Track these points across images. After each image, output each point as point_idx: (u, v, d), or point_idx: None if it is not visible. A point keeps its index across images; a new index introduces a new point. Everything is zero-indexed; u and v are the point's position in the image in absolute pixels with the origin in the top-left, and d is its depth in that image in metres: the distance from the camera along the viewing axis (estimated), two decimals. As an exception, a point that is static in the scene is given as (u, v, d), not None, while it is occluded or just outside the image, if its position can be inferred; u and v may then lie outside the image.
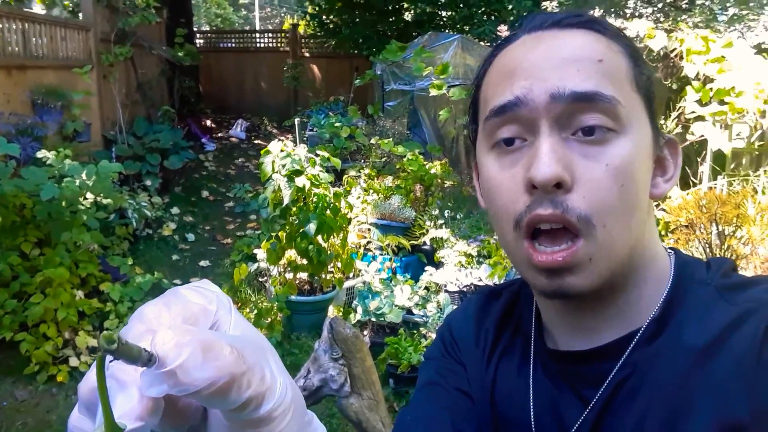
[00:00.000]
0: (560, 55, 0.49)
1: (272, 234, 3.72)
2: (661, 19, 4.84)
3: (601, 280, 0.49)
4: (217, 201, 6.51)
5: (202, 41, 9.86)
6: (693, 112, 3.67)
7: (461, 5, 7.21)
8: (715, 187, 3.23)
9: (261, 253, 4.15)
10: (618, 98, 0.48)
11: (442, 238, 4.16)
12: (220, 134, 8.44)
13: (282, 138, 8.29)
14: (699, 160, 3.74)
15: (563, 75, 0.48)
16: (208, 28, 15.81)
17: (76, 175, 3.41)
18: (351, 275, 4.15)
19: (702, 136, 3.72)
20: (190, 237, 5.47)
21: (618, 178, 0.47)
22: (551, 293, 0.50)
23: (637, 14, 5.87)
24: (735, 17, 4.67)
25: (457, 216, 4.62)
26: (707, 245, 2.70)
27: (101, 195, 3.63)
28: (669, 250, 0.57)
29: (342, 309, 4.17)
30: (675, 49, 3.77)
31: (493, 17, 7.28)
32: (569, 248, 0.47)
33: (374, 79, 5.82)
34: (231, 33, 12.30)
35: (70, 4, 6.95)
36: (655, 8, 5.63)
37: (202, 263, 5.02)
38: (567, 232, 0.48)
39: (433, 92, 5.00)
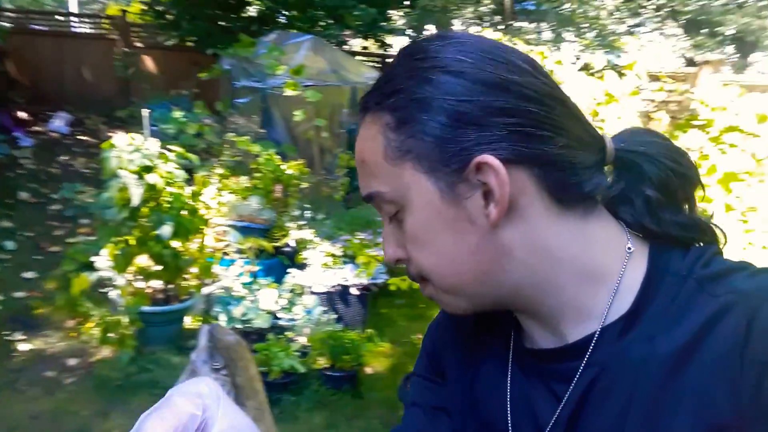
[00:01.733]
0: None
1: (119, 239, 3.36)
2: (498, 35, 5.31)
3: (469, 307, 0.57)
4: (39, 203, 5.71)
5: (7, 23, 8.58)
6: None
7: (307, 7, 7.18)
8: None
9: (101, 261, 3.73)
10: (380, 189, 0.55)
11: (305, 239, 4.11)
12: (37, 128, 7.41)
13: (111, 133, 7.56)
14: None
15: (360, 184, 0.58)
16: (10, 7, 13.79)
17: None
18: (209, 281, 3.92)
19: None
20: (9, 245, 4.74)
21: (416, 245, 0.55)
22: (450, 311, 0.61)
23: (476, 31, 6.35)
24: (558, 38, 5.29)
25: (317, 217, 4.60)
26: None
27: None
28: (630, 243, 0.55)
29: (201, 318, 3.92)
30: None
31: (338, 21, 7.35)
32: (424, 285, 0.59)
33: (222, 74, 5.56)
34: (43, 14, 10.88)
35: None
36: (489, 24, 6.14)
37: (27, 275, 4.38)
38: None
39: (288, 92, 4.93)
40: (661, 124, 3.79)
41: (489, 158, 0.50)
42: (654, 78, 4.64)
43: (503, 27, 5.82)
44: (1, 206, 5.31)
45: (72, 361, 3.41)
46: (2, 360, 3.34)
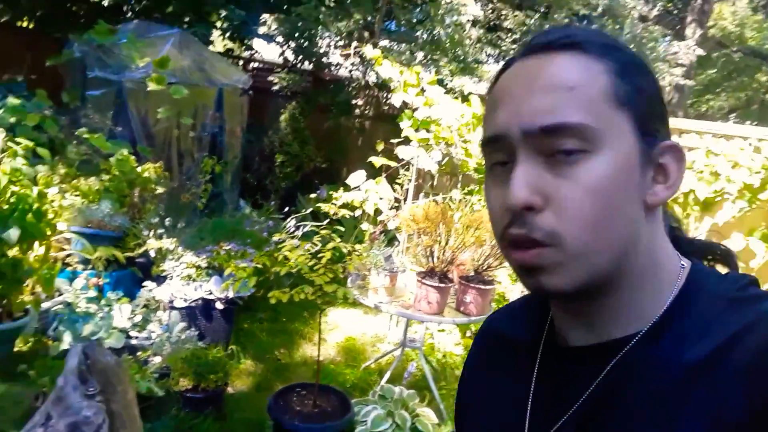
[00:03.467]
0: (537, 87, 0.53)
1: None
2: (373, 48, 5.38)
3: (576, 282, 0.53)
4: None
5: None
6: (406, 137, 4.16)
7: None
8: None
9: None
10: (587, 122, 0.51)
11: (167, 249, 3.76)
12: None
13: None
14: (408, 179, 4.27)
15: (535, 109, 0.52)
16: None
17: None
18: (46, 296, 3.42)
19: (410, 158, 4.24)
20: None
21: (590, 195, 0.51)
22: (533, 290, 0.56)
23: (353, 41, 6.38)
24: (428, 60, 5.52)
25: (179, 225, 4.25)
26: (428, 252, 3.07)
27: None
28: (683, 261, 0.60)
29: (33, 339, 3.40)
30: (392, 80, 4.21)
31: (203, 19, 6.95)
32: (536, 252, 0.52)
33: (71, 60, 4.95)
34: None
35: None
36: (357, 40, 6.22)
37: None
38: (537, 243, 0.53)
39: (152, 86, 4.52)
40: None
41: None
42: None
43: (373, 46, 5.92)
44: None
45: None
46: None
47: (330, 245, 2.61)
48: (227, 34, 7.30)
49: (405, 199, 4.34)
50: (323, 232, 2.71)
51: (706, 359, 0.50)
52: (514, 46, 6.60)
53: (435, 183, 4.84)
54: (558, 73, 0.53)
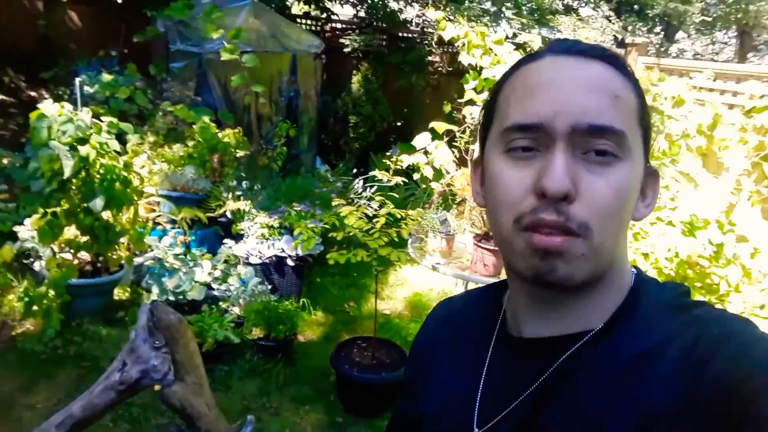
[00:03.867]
0: (583, 85, 0.55)
1: (47, 210, 3.22)
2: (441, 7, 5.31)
3: (585, 276, 0.56)
4: (-49, 167, 5.34)
5: None
6: (471, 99, 4.15)
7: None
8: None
9: (24, 231, 3.57)
10: (626, 132, 0.55)
11: (242, 210, 4.06)
12: (-54, 85, 6.88)
13: (34, 93, 7.09)
14: (472, 140, 4.26)
15: (584, 108, 0.55)
16: None
17: None
18: (140, 252, 3.83)
19: (473, 117, 4.22)
20: None
21: (617, 195, 0.55)
22: (540, 275, 0.56)
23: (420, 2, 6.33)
24: (496, 16, 5.36)
25: (255, 187, 4.54)
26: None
27: None
28: (633, 268, 0.65)
29: (130, 289, 3.84)
30: (459, 39, 4.18)
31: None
32: (567, 239, 0.54)
33: (156, 36, 5.31)
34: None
35: None
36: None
37: (-60, 244, 4.12)
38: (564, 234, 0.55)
39: (225, 57, 4.78)
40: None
41: (657, 172, 0.64)
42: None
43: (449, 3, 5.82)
44: None
45: (-8, 335, 3.27)
46: None
47: (383, 210, 2.73)
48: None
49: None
50: (377, 198, 2.83)
51: (641, 356, 0.55)
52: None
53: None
54: (603, 79, 0.56)
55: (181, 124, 4.82)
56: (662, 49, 7.97)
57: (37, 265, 3.57)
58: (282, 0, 6.85)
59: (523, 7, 5.44)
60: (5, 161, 4.51)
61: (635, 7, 6.61)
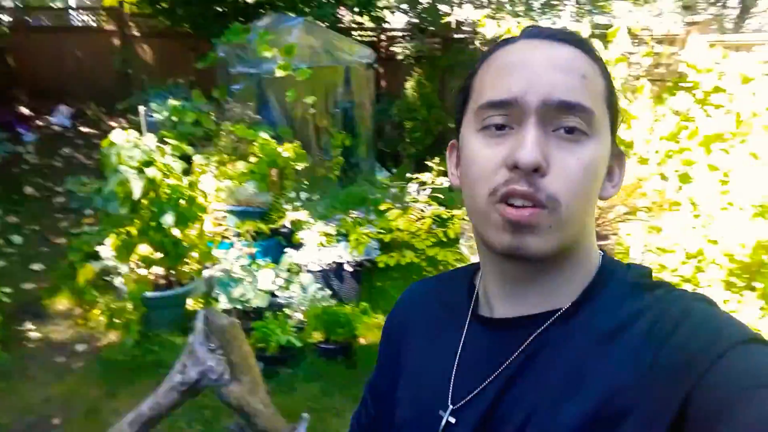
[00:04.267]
0: (554, 64, 0.58)
1: (120, 230, 3.49)
2: (485, 6, 5.29)
3: (554, 248, 0.59)
4: (44, 197, 5.87)
5: (6, 17, 8.67)
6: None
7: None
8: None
9: (105, 251, 3.87)
10: (594, 110, 0.58)
11: (300, 220, 4.21)
12: (39, 123, 7.55)
13: (114, 123, 7.66)
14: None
15: (555, 84, 0.57)
16: (11, 5, 13.85)
17: None
18: (209, 265, 4.05)
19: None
20: (17, 239, 4.90)
21: (585, 171, 0.58)
22: (512, 249, 0.59)
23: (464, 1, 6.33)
24: (546, 8, 5.27)
25: (313, 197, 4.70)
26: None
27: None
28: (600, 250, 0.67)
29: (203, 300, 4.06)
30: (502, 36, 4.15)
31: (332, 0, 7.35)
32: (535, 211, 0.57)
33: (217, 61, 5.62)
34: (42, 9, 10.92)
35: None
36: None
37: (35, 267, 4.54)
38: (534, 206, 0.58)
39: (279, 73, 4.98)
40: (644, 91, 3.81)
41: (624, 153, 0.66)
42: (642, 42, 4.65)
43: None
44: (8, 202, 5.47)
45: (80, 347, 3.57)
46: (14, 348, 3.50)
47: (428, 212, 2.77)
48: (355, 9, 7.63)
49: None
50: (422, 200, 2.87)
51: (609, 331, 0.58)
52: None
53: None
54: (572, 59, 0.59)
55: (243, 142, 5.06)
56: (738, 24, 7.53)
57: (117, 282, 3.85)
58: (333, 14, 7.03)
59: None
60: (89, 188, 4.92)
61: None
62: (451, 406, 0.65)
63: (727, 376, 0.48)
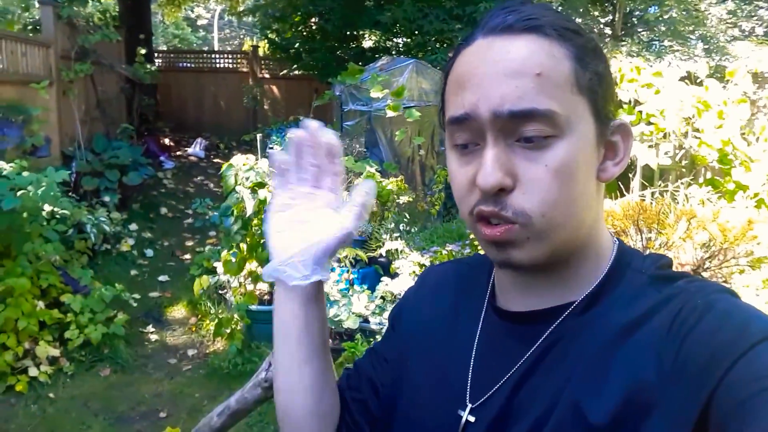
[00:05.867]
0: (503, 71, 0.54)
1: (233, 245, 3.83)
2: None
3: (541, 256, 0.57)
4: (175, 218, 6.55)
5: (160, 60, 9.91)
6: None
7: (416, 32, 7.54)
8: (643, 198, 3.54)
9: (221, 267, 4.25)
10: (554, 109, 0.54)
11: (397, 250, 4.35)
12: (178, 153, 8.47)
13: (241, 154, 8.41)
14: (630, 175, 4.07)
15: (504, 93, 0.54)
16: (165, 48, 15.78)
17: (22, 184, 3.43)
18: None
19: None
20: (149, 252, 5.50)
21: (557, 176, 0.54)
22: (500, 263, 0.60)
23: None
24: (664, 49, 5.12)
25: (412, 230, 4.83)
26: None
27: (57, 207, 3.68)
28: (615, 239, 0.64)
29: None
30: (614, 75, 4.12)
31: (445, 44, 7.63)
32: (506, 228, 0.55)
33: (333, 99, 6.03)
34: (189, 53, 12.36)
35: (30, 21, 6.94)
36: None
37: (161, 278, 5.07)
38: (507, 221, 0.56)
39: (390, 113, 5.25)
40: (765, 132, 3.57)
41: (626, 123, 0.60)
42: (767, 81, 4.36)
43: (610, 40, 5.71)
44: (145, 219, 6.17)
45: (191, 352, 3.92)
46: (136, 347, 3.93)
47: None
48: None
49: (630, 193, 4.16)
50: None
51: (629, 324, 0.55)
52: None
53: (662, 177, 4.49)
54: (524, 57, 0.54)
55: (351, 175, 5.36)
56: None
57: (228, 295, 4.21)
58: (445, 59, 7.28)
59: (692, 36, 5.12)
60: (212, 209, 5.45)
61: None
62: (470, 405, 0.64)
63: (750, 374, 0.46)
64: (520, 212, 0.55)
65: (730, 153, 3.49)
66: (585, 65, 0.56)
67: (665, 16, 5.42)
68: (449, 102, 0.59)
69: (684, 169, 4.39)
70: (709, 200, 3.23)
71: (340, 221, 0.67)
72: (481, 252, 0.69)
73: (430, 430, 0.66)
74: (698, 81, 4.59)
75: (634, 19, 6.21)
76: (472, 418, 0.62)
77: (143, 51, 7.08)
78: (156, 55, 9.63)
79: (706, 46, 4.94)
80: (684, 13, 4.89)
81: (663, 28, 5.47)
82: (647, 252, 0.67)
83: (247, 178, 3.54)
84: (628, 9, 6.14)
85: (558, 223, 0.55)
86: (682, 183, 3.55)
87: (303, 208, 0.70)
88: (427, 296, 0.77)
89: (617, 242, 0.64)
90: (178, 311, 4.51)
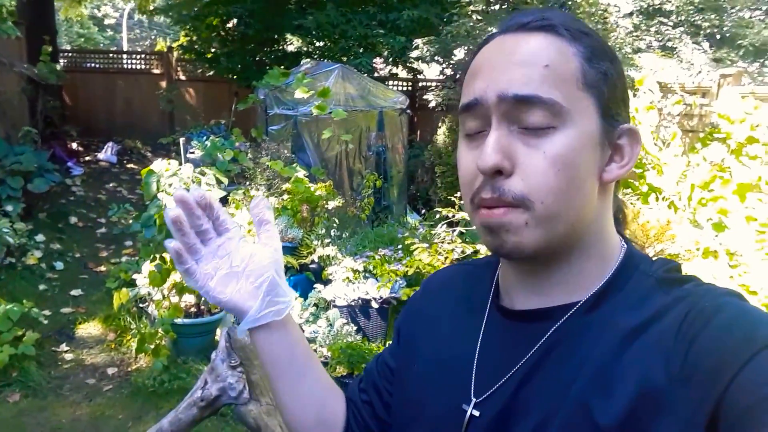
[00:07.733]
0: (514, 60, 0.57)
1: (155, 256, 3.62)
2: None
3: (537, 244, 0.57)
4: (87, 227, 6.13)
5: (65, 60, 9.26)
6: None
7: (339, 37, 7.51)
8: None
9: (140, 279, 4.00)
10: (557, 99, 0.55)
11: (329, 256, 4.29)
12: (88, 158, 7.94)
13: (157, 159, 8.01)
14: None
15: (510, 79, 0.56)
16: (69, 48, 14.78)
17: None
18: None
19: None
20: (59, 265, 5.10)
21: (554, 164, 0.56)
22: (494, 249, 0.60)
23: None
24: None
25: (343, 235, 4.79)
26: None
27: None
28: (623, 241, 0.65)
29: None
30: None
31: (368, 49, 7.65)
32: (505, 209, 0.57)
33: (257, 103, 5.88)
34: (97, 53, 11.63)
35: None
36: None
37: (74, 292, 4.71)
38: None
39: (316, 112, 5.18)
40: (675, 139, 3.83)
41: (636, 129, 0.61)
42: (670, 91, 4.69)
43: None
44: (53, 230, 5.73)
45: (111, 370, 3.66)
46: (49, 368, 3.62)
47: (449, 246, 2.82)
48: (390, 60, 7.93)
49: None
50: (445, 233, 2.92)
51: (637, 326, 0.56)
52: (678, 29, 6.08)
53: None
54: (534, 51, 0.57)
55: (277, 180, 5.24)
56: (759, 78, 7.51)
57: (150, 309, 3.97)
58: (370, 64, 7.30)
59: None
60: (131, 221, 5.14)
61: (727, 36, 6.34)
62: (474, 399, 0.64)
63: (758, 379, 0.46)
64: (520, 197, 0.56)
65: (644, 157, 3.71)
66: (593, 64, 0.58)
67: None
68: (463, 93, 0.62)
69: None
70: (631, 202, 3.41)
71: (265, 245, 0.75)
72: (481, 255, 0.69)
73: (435, 423, 0.67)
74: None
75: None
76: (476, 413, 0.63)
77: (49, 49, 6.59)
78: (60, 54, 9.00)
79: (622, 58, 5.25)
80: (597, 26, 5.17)
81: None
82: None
83: (170, 185, 3.35)
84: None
85: (555, 212, 0.56)
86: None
87: (225, 257, 0.74)
88: (432, 297, 0.79)
89: (626, 246, 0.65)
90: (94, 327, 4.21)
